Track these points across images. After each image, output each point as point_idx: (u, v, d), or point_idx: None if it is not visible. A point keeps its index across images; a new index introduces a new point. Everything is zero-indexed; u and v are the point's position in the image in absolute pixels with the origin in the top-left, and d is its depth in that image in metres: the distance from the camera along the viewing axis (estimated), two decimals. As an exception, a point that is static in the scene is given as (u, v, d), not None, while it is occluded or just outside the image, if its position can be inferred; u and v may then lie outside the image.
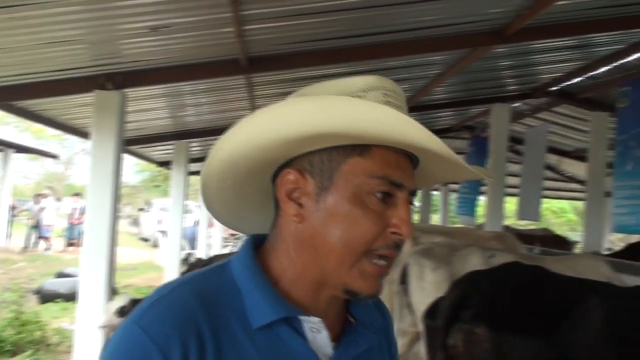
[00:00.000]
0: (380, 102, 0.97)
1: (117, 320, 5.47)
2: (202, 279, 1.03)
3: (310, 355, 1.00)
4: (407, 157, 1.01)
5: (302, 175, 1.00)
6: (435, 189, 20.03)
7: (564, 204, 34.49)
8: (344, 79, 1.02)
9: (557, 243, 13.03)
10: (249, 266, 1.02)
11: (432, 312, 2.92)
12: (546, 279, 2.92)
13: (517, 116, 11.94)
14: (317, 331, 1.02)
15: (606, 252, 9.71)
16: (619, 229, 7.35)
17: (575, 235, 21.19)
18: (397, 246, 1.00)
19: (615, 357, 2.79)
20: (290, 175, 1.00)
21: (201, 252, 15.64)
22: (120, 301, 5.77)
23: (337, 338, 1.06)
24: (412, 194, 1.02)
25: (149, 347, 0.90)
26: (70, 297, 10.56)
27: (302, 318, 1.01)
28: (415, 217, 23.55)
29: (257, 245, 1.08)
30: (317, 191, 0.98)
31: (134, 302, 5.58)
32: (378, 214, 0.97)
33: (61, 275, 13.39)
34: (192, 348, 0.91)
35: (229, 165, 1.03)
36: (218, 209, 1.14)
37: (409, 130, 0.92)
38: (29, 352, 8.47)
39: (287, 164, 1.02)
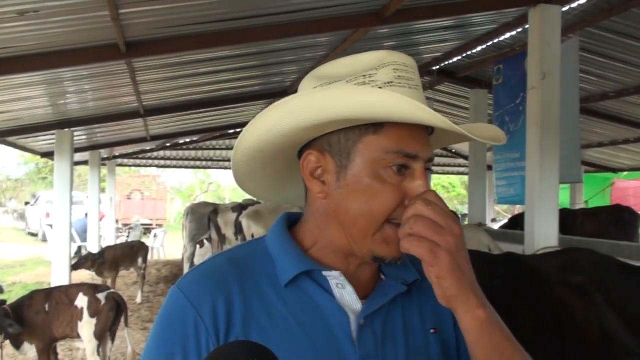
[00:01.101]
0: (392, 77, 1.04)
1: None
2: (238, 249, 1.18)
3: (335, 309, 1.07)
4: (422, 127, 1.06)
5: (323, 155, 1.08)
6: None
7: (454, 179, 35.94)
8: (356, 56, 1.08)
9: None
10: (280, 235, 1.14)
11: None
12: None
13: (403, 95, 12.31)
14: (342, 287, 1.08)
15: (491, 223, 10.22)
16: (501, 200, 7.76)
17: (465, 208, 22.15)
18: None
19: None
20: (312, 156, 1.08)
21: (93, 245, 15.15)
22: None
23: (368, 296, 1.12)
24: (428, 161, 1.07)
25: (185, 304, 1.04)
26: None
27: (328, 275, 1.09)
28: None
29: (291, 221, 1.19)
30: (337, 169, 1.06)
31: None
32: (395, 186, 1.04)
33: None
34: (221, 304, 1.04)
35: (255, 152, 1.12)
36: (252, 187, 1.25)
37: (416, 113, 0.98)
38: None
39: (308, 145, 1.11)
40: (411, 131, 1.04)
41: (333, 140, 1.06)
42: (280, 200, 1.31)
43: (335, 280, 1.08)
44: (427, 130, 1.08)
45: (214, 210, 11.91)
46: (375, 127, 1.03)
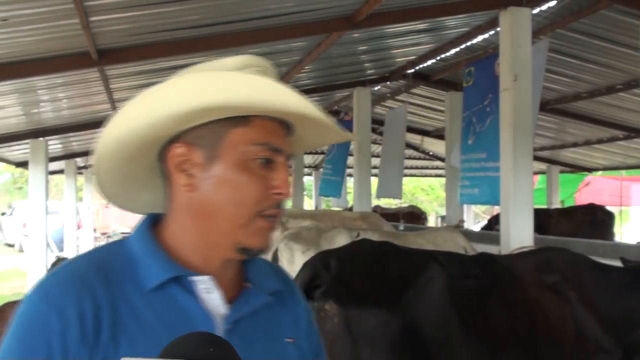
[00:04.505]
0: None
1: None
2: (99, 251, 1.11)
3: (202, 314, 1.06)
4: (283, 125, 1.12)
5: (190, 147, 1.07)
6: (308, 174, 20.35)
7: (433, 181, 36.11)
8: (220, 60, 1.10)
9: (415, 218, 13.85)
10: (143, 237, 1.10)
11: (285, 293, 3.02)
12: (391, 252, 3.09)
13: (378, 99, 12.38)
14: (210, 291, 1.07)
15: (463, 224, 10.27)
16: (465, 200, 7.73)
17: (444, 210, 22.26)
18: (280, 205, 1.11)
19: (459, 319, 3.00)
20: (179, 149, 1.07)
21: (71, 255, 14.99)
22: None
23: (232, 301, 1.11)
24: (289, 158, 1.12)
25: (45, 311, 0.97)
26: None
27: (195, 279, 1.07)
28: (288, 203, 23.82)
29: (155, 221, 1.15)
30: (205, 161, 1.06)
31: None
32: (261, 177, 1.07)
33: None
34: (88, 309, 0.98)
35: (120, 145, 1.07)
36: (109, 190, 1.18)
37: (288, 97, 1.03)
38: None
39: (174, 139, 1.08)
40: (275, 127, 1.09)
41: (201, 132, 1.06)
42: (135, 209, 1.24)
43: (203, 284, 1.07)
44: (288, 130, 1.13)
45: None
46: (243, 119, 1.06)
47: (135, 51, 6.05)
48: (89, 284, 1.00)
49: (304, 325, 1.22)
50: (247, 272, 1.17)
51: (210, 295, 1.07)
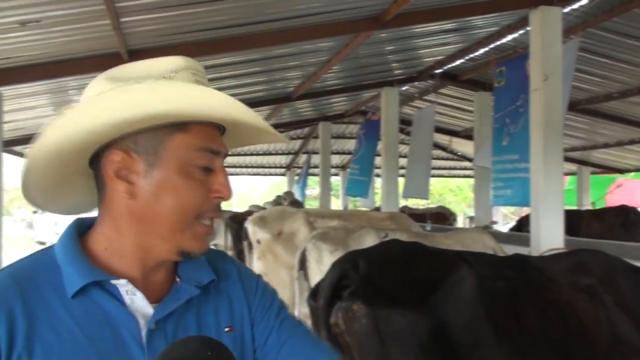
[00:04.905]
0: (191, 81, 1.08)
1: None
2: (22, 262, 1.08)
3: (125, 316, 1.05)
4: (217, 127, 1.13)
5: (128, 154, 1.05)
6: (335, 174, 20.34)
7: (461, 182, 35.86)
8: (154, 60, 1.09)
9: (443, 218, 13.76)
10: (67, 244, 1.08)
11: (314, 293, 3.00)
12: (421, 253, 3.06)
13: (406, 99, 12.33)
14: (132, 294, 1.06)
15: (494, 225, 10.17)
16: (498, 201, 7.68)
17: (473, 211, 22.08)
18: (219, 208, 1.13)
19: (489, 321, 2.97)
20: (116, 156, 1.05)
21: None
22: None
23: (161, 299, 1.11)
24: (225, 157, 1.15)
25: None
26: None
27: (116, 283, 1.06)
28: (316, 203, 23.81)
29: (83, 227, 1.13)
30: (145, 168, 1.05)
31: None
32: (202, 182, 1.08)
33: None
34: (1, 322, 0.96)
35: (56, 149, 1.05)
36: (35, 195, 1.14)
37: (227, 104, 1.05)
38: None
39: (109, 145, 1.07)
40: (212, 130, 1.10)
41: (139, 139, 1.05)
42: (60, 210, 1.21)
43: (124, 287, 1.06)
44: (222, 130, 1.15)
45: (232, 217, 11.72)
46: (182, 125, 1.06)
47: (165, 52, 6.04)
48: (3, 298, 0.98)
49: (242, 312, 1.20)
50: (178, 268, 1.16)
51: (133, 297, 1.06)
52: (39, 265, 1.06)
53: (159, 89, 1.02)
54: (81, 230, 1.13)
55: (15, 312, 0.98)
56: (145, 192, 1.05)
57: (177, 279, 1.15)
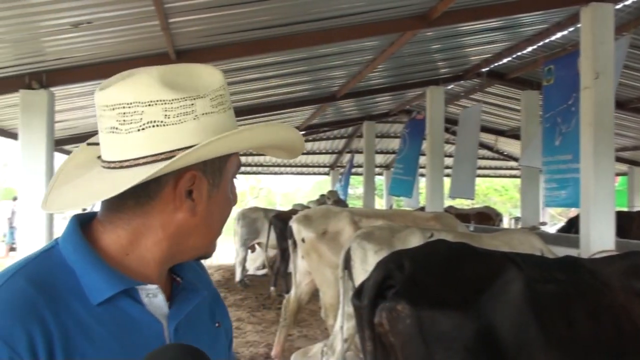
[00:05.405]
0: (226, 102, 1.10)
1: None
2: (33, 264, 1.03)
3: (148, 319, 1.06)
4: None
5: (200, 175, 1.07)
6: (379, 174, 20.28)
7: (507, 182, 35.34)
8: (196, 68, 1.08)
9: (487, 218, 13.56)
10: (79, 246, 1.04)
11: (358, 292, 2.99)
12: (467, 254, 3.02)
13: (452, 98, 12.20)
14: (153, 296, 1.08)
15: (543, 226, 10.00)
16: (551, 202, 7.57)
17: (518, 211, 21.74)
18: None
19: (538, 324, 2.91)
20: (191, 176, 1.06)
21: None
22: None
23: (169, 298, 1.12)
24: None
25: None
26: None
27: (144, 288, 1.07)
28: (358, 202, 23.76)
29: (83, 224, 1.09)
30: (208, 188, 1.09)
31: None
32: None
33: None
34: (38, 335, 0.93)
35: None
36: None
37: (299, 139, 1.20)
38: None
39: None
40: None
41: (209, 161, 1.08)
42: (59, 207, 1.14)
43: (147, 291, 1.07)
44: None
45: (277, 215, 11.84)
46: None
47: (212, 51, 6.17)
48: (35, 310, 0.94)
49: (222, 308, 1.28)
50: (179, 268, 1.18)
51: (154, 299, 1.08)
52: (52, 268, 1.03)
53: (269, 128, 1.14)
54: (82, 225, 1.09)
55: (48, 323, 0.94)
56: (204, 209, 1.08)
57: (177, 278, 1.18)
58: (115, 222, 1.07)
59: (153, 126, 1.00)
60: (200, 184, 1.07)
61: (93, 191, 1.05)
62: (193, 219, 1.07)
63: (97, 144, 1.09)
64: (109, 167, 1.04)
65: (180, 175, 1.04)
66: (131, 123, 1.00)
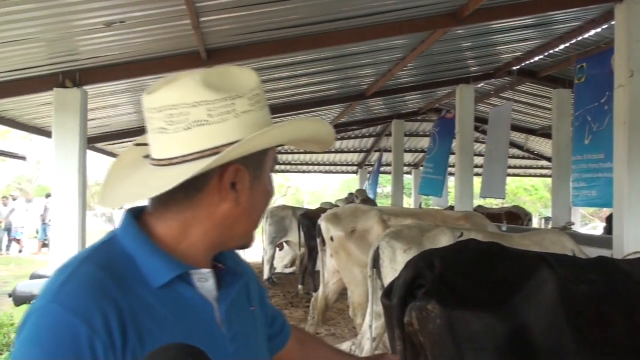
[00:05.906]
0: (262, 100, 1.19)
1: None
2: (99, 253, 1.11)
3: (201, 301, 1.15)
4: None
5: (242, 169, 1.14)
6: (408, 173, 20.18)
7: (537, 181, 34.94)
8: (236, 71, 1.16)
9: (515, 218, 13.42)
10: (138, 236, 1.13)
11: (388, 291, 2.98)
12: (499, 254, 2.98)
13: (482, 97, 12.09)
14: (205, 280, 1.17)
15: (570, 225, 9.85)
16: (579, 202, 7.45)
17: (548, 212, 21.48)
18: None
19: (572, 326, 2.87)
20: (234, 169, 1.13)
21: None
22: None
23: (216, 282, 1.20)
24: None
25: (73, 321, 0.97)
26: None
27: (199, 273, 1.16)
28: (387, 201, 23.67)
29: (137, 216, 1.18)
30: (250, 180, 1.16)
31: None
32: None
33: (35, 276, 13.16)
34: (112, 314, 1.00)
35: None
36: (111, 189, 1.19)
37: (331, 133, 1.27)
38: (4, 356, 8.41)
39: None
40: None
41: (251, 155, 1.13)
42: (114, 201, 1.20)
43: (200, 275, 1.15)
44: None
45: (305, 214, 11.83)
46: None
47: (242, 50, 6.20)
48: (107, 290, 1.02)
49: (258, 294, 1.37)
50: (221, 256, 1.26)
51: (205, 283, 1.16)
52: (115, 255, 1.10)
53: (304, 123, 1.22)
54: (137, 217, 1.18)
55: (121, 304, 1.02)
56: (246, 200, 1.16)
57: (219, 265, 1.25)
58: (166, 215, 1.15)
59: (198, 125, 1.07)
60: (243, 176, 1.14)
61: (150, 187, 1.10)
62: (237, 209, 1.15)
63: (144, 144, 1.17)
64: (159, 165, 1.12)
65: (225, 169, 1.12)
66: (178, 123, 1.08)
